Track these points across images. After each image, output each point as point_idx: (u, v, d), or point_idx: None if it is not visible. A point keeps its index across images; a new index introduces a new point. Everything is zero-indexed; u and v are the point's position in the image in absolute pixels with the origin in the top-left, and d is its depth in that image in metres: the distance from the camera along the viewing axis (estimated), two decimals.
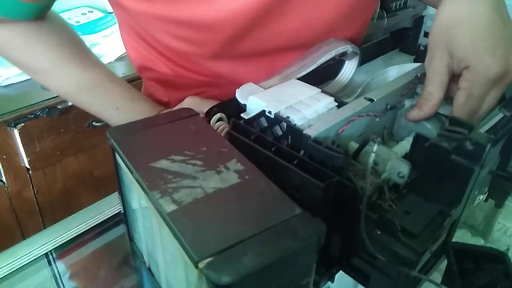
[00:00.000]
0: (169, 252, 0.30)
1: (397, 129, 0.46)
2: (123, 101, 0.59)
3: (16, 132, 1.12)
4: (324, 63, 0.49)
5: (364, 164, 0.38)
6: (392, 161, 0.37)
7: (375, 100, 0.40)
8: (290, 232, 0.26)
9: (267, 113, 0.39)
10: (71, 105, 1.19)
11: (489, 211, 0.75)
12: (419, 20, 0.64)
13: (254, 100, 0.40)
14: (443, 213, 0.35)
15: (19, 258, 0.50)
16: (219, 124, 0.40)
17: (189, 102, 0.54)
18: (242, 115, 0.41)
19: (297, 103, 0.40)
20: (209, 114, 0.42)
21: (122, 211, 0.39)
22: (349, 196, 0.33)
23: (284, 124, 0.38)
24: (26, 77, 1.18)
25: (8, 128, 1.10)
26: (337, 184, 0.33)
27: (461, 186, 0.35)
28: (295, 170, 0.34)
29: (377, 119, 0.42)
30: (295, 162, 0.34)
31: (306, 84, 0.43)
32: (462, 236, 0.75)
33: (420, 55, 0.65)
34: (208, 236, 0.25)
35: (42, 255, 0.51)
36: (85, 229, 0.52)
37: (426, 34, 0.65)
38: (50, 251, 0.51)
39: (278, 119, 0.38)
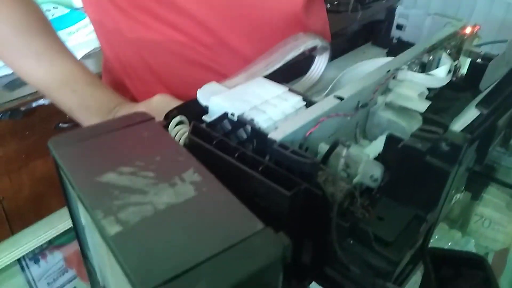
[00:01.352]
0: (117, 276, 0.26)
1: (370, 128, 0.44)
2: (82, 85, 0.52)
3: None
4: (293, 59, 0.47)
5: (335, 167, 0.35)
6: (364, 164, 0.34)
7: (345, 98, 0.38)
8: (250, 252, 0.23)
9: (230, 116, 0.36)
10: (35, 107, 1.13)
11: (466, 203, 0.74)
12: (390, 13, 0.62)
13: (216, 101, 0.37)
14: (419, 218, 0.33)
15: None
16: (179, 129, 0.37)
17: (158, 100, 0.48)
18: (204, 117, 0.38)
19: (262, 104, 0.37)
20: (168, 117, 0.38)
21: (73, 227, 0.35)
22: (318, 204, 0.31)
23: (249, 127, 0.35)
24: None
25: None
26: (305, 192, 0.30)
27: (437, 188, 0.32)
28: (259, 178, 0.31)
29: (348, 118, 0.39)
30: (259, 169, 0.32)
31: (273, 82, 0.40)
32: (439, 229, 0.74)
33: (393, 48, 0.63)
34: (156, 263, 0.22)
35: (15, 260, 0.47)
36: (57, 234, 0.48)
37: (399, 27, 0.63)
38: (23, 256, 0.47)
39: (241, 122, 0.35)
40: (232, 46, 0.57)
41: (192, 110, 0.40)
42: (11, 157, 1.15)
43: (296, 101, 0.38)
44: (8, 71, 1.14)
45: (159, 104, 0.48)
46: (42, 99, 1.14)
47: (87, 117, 0.52)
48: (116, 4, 0.55)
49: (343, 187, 0.32)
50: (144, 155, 0.30)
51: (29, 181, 1.21)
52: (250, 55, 0.55)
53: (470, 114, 0.38)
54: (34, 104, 1.13)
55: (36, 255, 0.95)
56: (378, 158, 0.40)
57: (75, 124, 1.26)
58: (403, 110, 0.42)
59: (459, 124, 0.38)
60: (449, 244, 0.77)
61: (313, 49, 0.50)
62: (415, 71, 0.46)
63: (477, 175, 0.48)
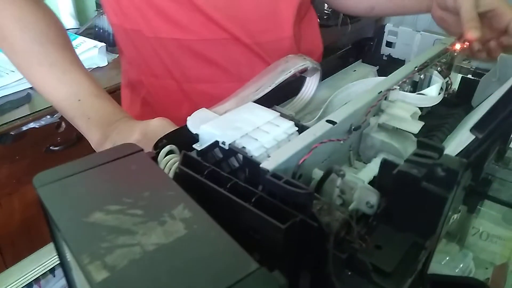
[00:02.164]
0: None
1: (364, 149, 0.43)
2: (87, 96, 0.53)
3: None
4: (283, 81, 0.46)
5: (330, 194, 0.34)
6: (359, 190, 0.33)
7: (337, 122, 0.37)
8: None
9: (221, 144, 0.35)
10: (25, 130, 1.12)
11: (463, 216, 0.73)
12: (380, 30, 0.62)
13: (207, 129, 0.36)
14: (418, 245, 0.32)
15: None
16: (169, 159, 0.36)
17: (156, 124, 0.48)
18: (194, 146, 0.37)
19: (254, 130, 0.36)
20: (158, 147, 0.37)
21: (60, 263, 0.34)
22: (314, 235, 0.30)
23: (240, 156, 0.34)
24: None
25: None
26: (300, 224, 0.29)
27: (435, 214, 0.32)
28: (252, 210, 0.30)
29: (341, 142, 0.38)
30: (252, 201, 0.31)
31: (264, 107, 0.40)
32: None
33: (383, 66, 0.63)
34: None
35: None
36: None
37: (388, 44, 0.63)
38: None
39: (233, 151, 0.34)
40: (243, 42, 0.62)
41: (183, 137, 0.40)
42: (2, 183, 1.13)
43: (288, 126, 0.37)
44: None
45: (156, 128, 0.47)
46: (32, 123, 1.13)
47: (88, 127, 0.53)
48: (137, 7, 0.60)
49: (338, 216, 0.31)
50: (133, 190, 0.29)
51: (20, 206, 1.19)
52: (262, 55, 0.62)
53: (465, 135, 0.37)
54: (24, 128, 1.12)
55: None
56: (373, 181, 0.39)
57: (65, 147, 1.24)
58: (396, 131, 0.42)
59: (454, 145, 0.37)
60: (447, 258, 0.76)
61: (304, 70, 0.49)
62: (406, 90, 0.45)
63: (473, 191, 0.47)
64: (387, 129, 0.42)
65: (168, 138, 0.38)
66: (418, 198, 0.31)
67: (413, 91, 0.47)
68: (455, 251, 0.79)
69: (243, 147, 0.34)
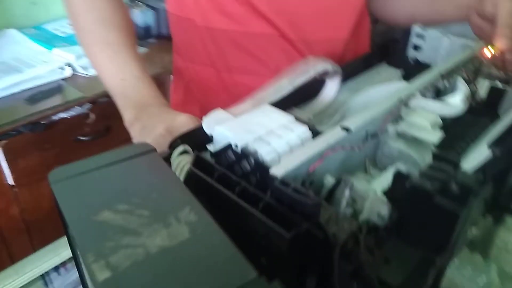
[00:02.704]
0: None
1: (380, 157, 0.42)
2: (130, 76, 0.57)
3: None
4: (302, 83, 0.46)
5: (340, 202, 0.34)
6: (371, 201, 0.33)
7: (352, 129, 0.36)
8: None
9: (233, 147, 0.35)
10: (56, 120, 1.15)
11: (488, 226, 0.71)
12: (407, 32, 0.61)
13: (220, 131, 0.37)
14: (428, 260, 0.31)
15: (14, 280, 0.45)
16: (181, 159, 0.36)
17: (183, 120, 0.49)
18: (208, 147, 0.37)
19: (267, 134, 0.36)
20: (172, 146, 0.38)
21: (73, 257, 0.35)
22: (320, 245, 0.29)
23: (252, 160, 0.34)
24: (10, 91, 1.15)
25: None
26: (306, 233, 0.29)
27: (446, 230, 0.31)
28: (259, 216, 0.30)
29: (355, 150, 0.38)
30: (260, 206, 0.31)
31: (279, 110, 0.39)
32: (459, 252, 0.71)
33: (408, 69, 0.61)
34: None
35: (39, 276, 0.47)
36: None
37: (415, 47, 0.61)
38: (47, 272, 0.47)
39: (245, 154, 0.34)
40: (289, 38, 0.63)
41: (198, 138, 0.40)
42: (32, 170, 1.17)
43: (302, 131, 0.37)
44: (29, 85, 1.17)
45: (181, 125, 0.47)
46: (62, 113, 1.17)
47: (124, 106, 0.55)
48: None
49: (346, 227, 0.30)
50: (142, 191, 0.30)
51: (49, 193, 1.23)
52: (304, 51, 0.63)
53: (485, 148, 0.36)
54: (55, 118, 1.16)
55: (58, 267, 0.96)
56: (387, 192, 0.38)
57: (94, 137, 1.27)
58: (415, 141, 0.40)
59: (473, 158, 0.36)
60: (469, 269, 0.74)
61: (324, 73, 0.49)
62: (429, 97, 0.44)
63: (496, 204, 0.45)
64: (405, 137, 0.41)
65: (183, 138, 0.39)
66: (430, 213, 0.31)
67: (436, 99, 0.45)
68: (478, 262, 0.76)
69: (255, 151, 0.34)
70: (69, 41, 1.36)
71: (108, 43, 0.59)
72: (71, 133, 1.21)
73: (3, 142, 1.08)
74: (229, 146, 0.35)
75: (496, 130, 0.40)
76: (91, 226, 0.27)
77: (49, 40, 1.37)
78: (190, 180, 0.36)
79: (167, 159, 0.36)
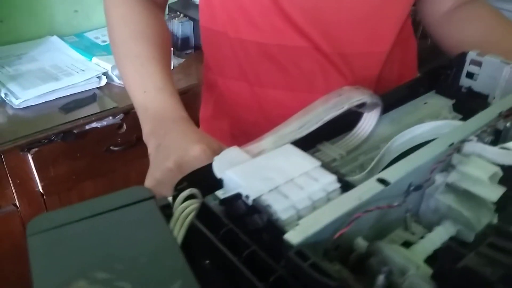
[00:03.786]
0: None
1: (425, 212, 0.35)
2: (152, 88, 0.55)
3: (29, 157, 1.08)
4: (334, 118, 0.40)
5: (375, 271, 0.28)
6: (411, 278, 0.26)
7: (391, 183, 0.30)
8: None
9: (243, 198, 0.30)
10: (87, 130, 1.15)
11: None
12: (460, 57, 0.53)
13: (231, 176, 0.31)
14: None
15: None
16: (186, 206, 0.31)
17: (195, 156, 0.44)
18: (216, 193, 0.32)
19: (286, 184, 0.30)
20: (176, 189, 0.33)
21: None
22: None
23: (264, 216, 0.28)
24: (44, 99, 1.15)
25: (21, 152, 1.07)
26: None
27: None
28: None
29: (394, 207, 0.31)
30: (270, 280, 0.25)
31: (303, 153, 0.33)
32: None
33: (461, 100, 0.54)
34: None
35: None
36: None
37: (469, 75, 0.53)
38: None
39: (255, 209, 0.29)
40: (323, 51, 0.59)
41: (208, 179, 0.35)
42: (62, 178, 1.17)
43: (328, 182, 0.31)
44: (64, 93, 1.18)
45: (194, 160, 0.43)
46: (95, 123, 1.16)
47: (143, 118, 0.54)
48: (225, 9, 0.62)
49: None
50: (128, 254, 0.25)
51: (77, 201, 1.23)
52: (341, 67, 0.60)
53: None
54: (87, 127, 1.15)
55: None
56: (433, 257, 0.31)
57: (125, 148, 1.26)
58: (468, 196, 0.33)
59: None
60: None
61: (361, 105, 0.42)
62: (486, 142, 0.37)
63: None
64: (457, 190, 0.34)
65: (190, 180, 0.34)
66: None
67: (495, 143, 0.38)
68: None
69: (269, 205, 0.28)
70: (108, 50, 1.37)
71: (136, 56, 0.58)
72: (102, 143, 1.20)
73: (34, 150, 1.08)
74: (239, 196, 0.30)
75: None
76: None
77: (89, 49, 1.38)
78: (194, 233, 0.31)
79: (167, 206, 0.31)
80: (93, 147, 1.19)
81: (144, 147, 0.53)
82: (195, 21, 1.46)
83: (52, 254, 0.25)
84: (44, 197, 1.16)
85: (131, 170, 1.28)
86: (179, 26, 1.46)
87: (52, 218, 0.27)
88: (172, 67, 1.38)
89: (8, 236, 1.14)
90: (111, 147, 1.22)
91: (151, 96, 0.54)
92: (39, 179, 1.13)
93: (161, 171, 0.43)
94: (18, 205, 1.13)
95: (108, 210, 0.28)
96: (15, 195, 1.12)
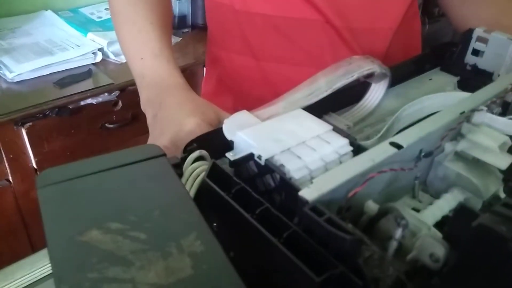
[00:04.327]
0: None
1: (433, 180, 0.35)
2: (149, 54, 0.54)
3: (23, 132, 1.07)
4: (343, 86, 0.39)
5: (385, 234, 0.28)
6: (423, 239, 0.26)
7: (404, 146, 0.30)
8: None
9: (256, 158, 0.29)
10: (83, 105, 1.13)
11: None
12: (467, 34, 0.53)
13: (242, 137, 0.31)
14: None
15: (30, 273, 0.42)
16: (196, 166, 0.31)
17: (191, 129, 0.43)
18: (227, 154, 0.32)
19: (298, 146, 0.30)
20: (186, 151, 0.32)
21: None
22: None
23: (277, 176, 0.28)
24: (39, 73, 1.13)
25: (15, 127, 1.05)
26: (340, 278, 0.23)
27: None
28: (282, 250, 0.24)
29: (406, 171, 0.31)
30: (284, 236, 0.25)
31: (314, 118, 0.33)
32: None
33: (466, 77, 0.54)
34: None
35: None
36: None
37: (475, 52, 0.53)
38: None
39: (269, 168, 0.28)
40: (334, 25, 0.58)
41: (218, 142, 0.34)
42: (56, 154, 1.15)
43: (341, 145, 0.30)
44: (59, 68, 1.15)
45: (190, 134, 0.42)
46: (90, 99, 1.14)
47: (140, 86, 0.53)
48: None
49: (392, 272, 0.24)
50: (142, 206, 0.24)
51: None
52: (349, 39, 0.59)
53: None
54: (82, 103, 1.13)
55: None
56: (441, 223, 0.32)
57: (120, 125, 1.25)
58: (477, 163, 0.34)
59: None
60: None
61: (370, 75, 0.42)
62: (496, 113, 0.37)
63: None
64: (466, 159, 0.34)
65: (199, 142, 0.33)
66: (502, 263, 0.24)
67: (504, 115, 0.38)
68: None
69: (282, 165, 0.28)
70: (103, 26, 1.34)
71: (134, 22, 0.56)
72: (97, 120, 1.19)
73: (28, 124, 1.06)
74: (251, 156, 0.30)
75: None
76: (73, 248, 0.22)
77: (84, 24, 1.35)
78: (204, 193, 0.30)
79: (178, 166, 0.31)
80: (88, 124, 1.18)
81: (139, 126, 0.52)
82: None
83: (64, 206, 0.24)
84: (38, 173, 1.15)
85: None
86: (176, 4, 1.44)
87: (62, 171, 0.27)
88: None
89: (1, 212, 1.12)
90: (106, 124, 1.21)
91: (147, 63, 0.53)
92: (33, 154, 1.11)
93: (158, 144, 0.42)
94: (11, 180, 1.12)
95: (120, 165, 0.27)
96: (8, 170, 1.10)
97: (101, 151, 1.00)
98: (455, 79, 0.54)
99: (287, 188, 0.27)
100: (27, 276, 0.42)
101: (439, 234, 0.28)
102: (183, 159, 0.32)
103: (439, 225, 0.32)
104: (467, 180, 0.33)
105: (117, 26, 0.59)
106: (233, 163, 0.31)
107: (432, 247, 0.26)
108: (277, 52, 0.62)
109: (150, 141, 0.47)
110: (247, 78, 0.66)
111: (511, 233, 0.23)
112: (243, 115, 0.34)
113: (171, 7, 0.65)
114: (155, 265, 0.21)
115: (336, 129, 0.32)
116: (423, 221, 0.28)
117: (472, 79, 0.53)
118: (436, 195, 0.35)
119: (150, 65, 0.53)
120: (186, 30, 1.47)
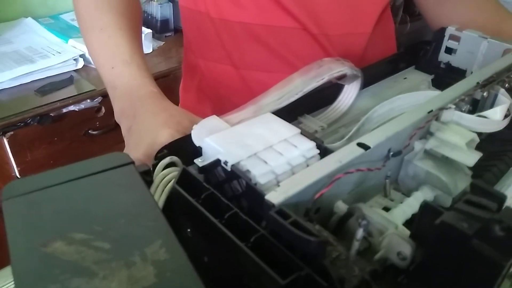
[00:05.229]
0: None
1: (404, 178, 0.36)
2: (119, 63, 0.51)
3: (5, 141, 1.05)
4: (314, 89, 0.40)
5: (353, 236, 0.28)
6: (390, 237, 0.27)
7: (371, 147, 0.30)
8: None
9: (222, 164, 0.29)
10: (64, 113, 1.12)
11: None
12: (439, 33, 0.54)
13: (210, 143, 0.31)
14: None
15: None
16: (167, 173, 0.31)
17: (166, 142, 0.40)
18: (195, 161, 0.32)
19: (265, 150, 0.30)
20: (157, 157, 0.32)
21: None
22: None
23: (243, 181, 0.28)
24: (19, 82, 1.12)
25: None
26: (306, 279, 0.23)
27: (485, 281, 0.24)
28: (248, 254, 0.24)
29: (373, 171, 0.32)
30: (251, 240, 0.25)
31: (283, 121, 0.33)
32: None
33: (439, 75, 0.54)
34: None
35: None
36: None
37: (448, 50, 0.54)
38: None
39: (234, 174, 0.29)
40: (310, 32, 0.59)
41: (189, 148, 0.34)
42: (39, 163, 1.14)
43: (307, 148, 0.31)
44: (40, 76, 1.14)
45: (167, 142, 0.41)
46: (72, 106, 1.13)
47: (113, 98, 0.51)
48: None
49: (357, 272, 0.24)
50: (107, 215, 0.24)
51: None
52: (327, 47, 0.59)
53: None
54: (64, 110, 1.12)
55: None
56: (411, 220, 0.32)
57: (104, 132, 1.24)
58: (446, 161, 0.34)
59: None
60: None
61: (341, 77, 0.42)
62: (464, 110, 0.37)
63: None
64: (434, 157, 0.34)
65: (171, 149, 0.33)
66: (465, 259, 0.24)
67: (473, 112, 0.39)
68: None
69: (248, 171, 0.28)
70: None
71: (101, 28, 0.54)
72: (80, 127, 1.18)
73: (10, 133, 1.05)
74: (218, 162, 0.30)
75: None
76: (36, 260, 0.21)
77: (65, 31, 1.34)
78: (174, 199, 0.30)
79: (148, 172, 0.31)
80: (71, 131, 1.17)
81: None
82: (174, 3, 1.44)
83: (28, 217, 0.24)
84: None
85: None
86: (158, 8, 1.44)
87: (28, 183, 0.26)
88: (151, 50, 1.36)
89: None
90: (89, 131, 1.20)
91: (118, 71, 0.51)
92: (16, 163, 1.10)
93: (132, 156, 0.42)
94: None
95: (86, 175, 0.27)
96: None
97: (85, 158, 0.99)
98: (429, 78, 0.54)
99: (253, 193, 0.27)
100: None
101: (407, 232, 0.29)
102: (154, 166, 0.32)
103: (409, 223, 0.32)
104: (437, 178, 0.33)
105: (84, 33, 0.57)
106: (202, 169, 0.31)
107: (399, 245, 0.26)
108: (257, 60, 0.62)
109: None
110: (227, 86, 0.66)
111: (473, 230, 0.24)
112: (212, 121, 0.34)
113: (140, 8, 0.63)
114: (118, 275, 0.21)
115: (304, 132, 0.32)
116: (391, 220, 0.28)
117: (446, 77, 0.54)
118: (408, 193, 0.35)
119: (121, 73, 0.51)
120: (168, 34, 1.47)
